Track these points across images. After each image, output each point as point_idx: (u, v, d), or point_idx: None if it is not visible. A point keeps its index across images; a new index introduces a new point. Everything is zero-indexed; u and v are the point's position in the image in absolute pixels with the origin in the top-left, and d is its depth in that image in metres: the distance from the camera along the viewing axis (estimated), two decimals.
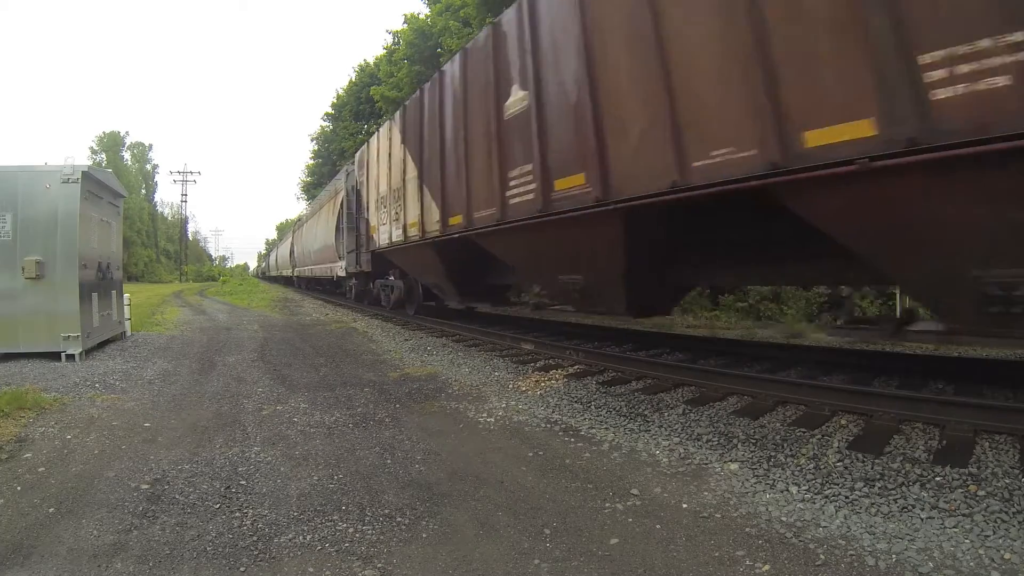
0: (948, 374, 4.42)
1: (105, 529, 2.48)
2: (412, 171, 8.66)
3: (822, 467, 2.95)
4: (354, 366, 6.52)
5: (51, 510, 2.67)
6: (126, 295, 8.98)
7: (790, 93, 3.23)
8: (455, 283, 8.49)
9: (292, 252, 26.51)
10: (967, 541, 2.19)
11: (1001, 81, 2.45)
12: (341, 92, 33.91)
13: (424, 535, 2.45)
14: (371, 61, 30.37)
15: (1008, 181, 2.59)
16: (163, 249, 73.15)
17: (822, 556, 2.18)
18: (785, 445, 3.30)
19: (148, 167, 73.31)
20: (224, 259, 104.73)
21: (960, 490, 2.56)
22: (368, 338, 9.08)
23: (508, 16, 5.94)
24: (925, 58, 2.66)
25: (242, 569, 2.18)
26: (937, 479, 2.68)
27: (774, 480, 2.88)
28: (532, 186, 5.50)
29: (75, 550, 2.31)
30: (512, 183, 5.86)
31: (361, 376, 5.89)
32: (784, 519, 2.48)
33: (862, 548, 2.21)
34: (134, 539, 2.40)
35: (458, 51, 7.35)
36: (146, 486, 2.96)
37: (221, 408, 4.60)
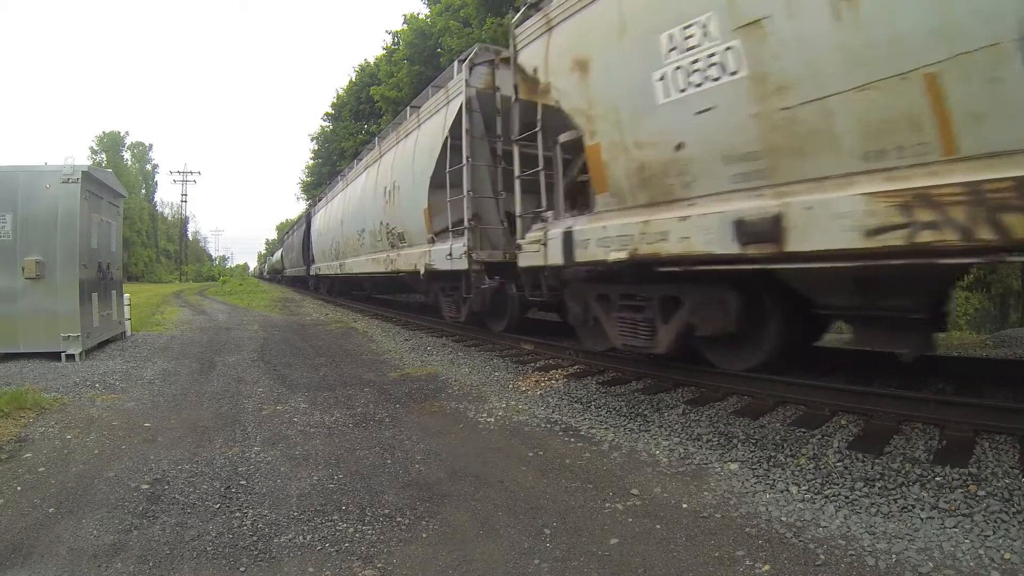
0: (948, 373, 4.41)
1: (105, 529, 2.48)
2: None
3: (822, 467, 2.96)
4: (354, 366, 6.52)
5: (51, 510, 2.68)
6: (126, 295, 8.97)
7: None
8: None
9: (283, 257, 33.97)
10: (967, 541, 2.19)
11: None
12: (341, 92, 33.97)
13: (424, 535, 2.45)
14: (371, 61, 30.44)
15: None
16: (163, 249, 73.02)
17: (822, 556, 2.18)
18: (785, 445, 3.30)
19: (148, 167, 73.08)
20: (224, 259, 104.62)
21: (960, 490, 2.55)
22: (368, 338, 9.08)
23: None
24: None
25: (242, 569, 2.18)
26: (937, 479, 2.68)
27: (774, 480, 2.88)
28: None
29: (75, 550, 2.31)
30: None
31: (361, 376, 5.90)
32: (784, 519, 2.49)
33: (862, 548, 2.21)
34: (134, 539, 2.40)
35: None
36: (146, 486, 2.96)
37: (221, 408, 4.60)
